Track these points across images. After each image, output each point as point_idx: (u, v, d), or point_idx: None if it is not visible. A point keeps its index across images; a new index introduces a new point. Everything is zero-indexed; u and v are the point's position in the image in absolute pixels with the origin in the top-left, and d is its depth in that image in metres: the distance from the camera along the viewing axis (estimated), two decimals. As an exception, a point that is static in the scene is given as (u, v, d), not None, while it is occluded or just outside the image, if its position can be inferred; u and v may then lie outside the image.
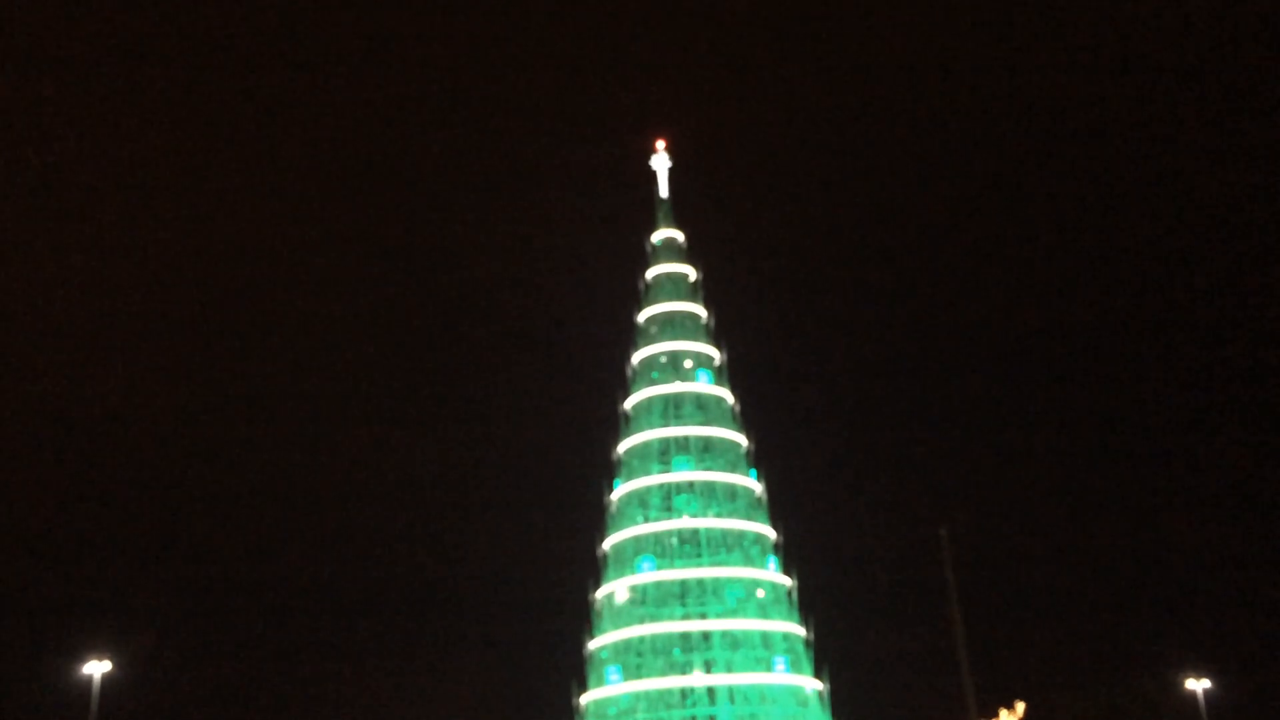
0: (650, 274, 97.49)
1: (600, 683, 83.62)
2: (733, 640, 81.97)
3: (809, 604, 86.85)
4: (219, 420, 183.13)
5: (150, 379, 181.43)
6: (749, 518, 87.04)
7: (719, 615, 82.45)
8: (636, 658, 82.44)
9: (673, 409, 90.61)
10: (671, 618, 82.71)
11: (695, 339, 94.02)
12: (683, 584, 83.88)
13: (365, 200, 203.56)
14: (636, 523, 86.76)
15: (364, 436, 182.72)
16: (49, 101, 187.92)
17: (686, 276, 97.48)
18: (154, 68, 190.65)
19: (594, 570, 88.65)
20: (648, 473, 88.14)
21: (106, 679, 62.92)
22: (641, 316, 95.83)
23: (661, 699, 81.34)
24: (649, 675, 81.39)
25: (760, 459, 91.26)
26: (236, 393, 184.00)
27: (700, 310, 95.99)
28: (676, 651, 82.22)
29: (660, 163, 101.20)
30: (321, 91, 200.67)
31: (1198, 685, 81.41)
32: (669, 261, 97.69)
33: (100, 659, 63.03)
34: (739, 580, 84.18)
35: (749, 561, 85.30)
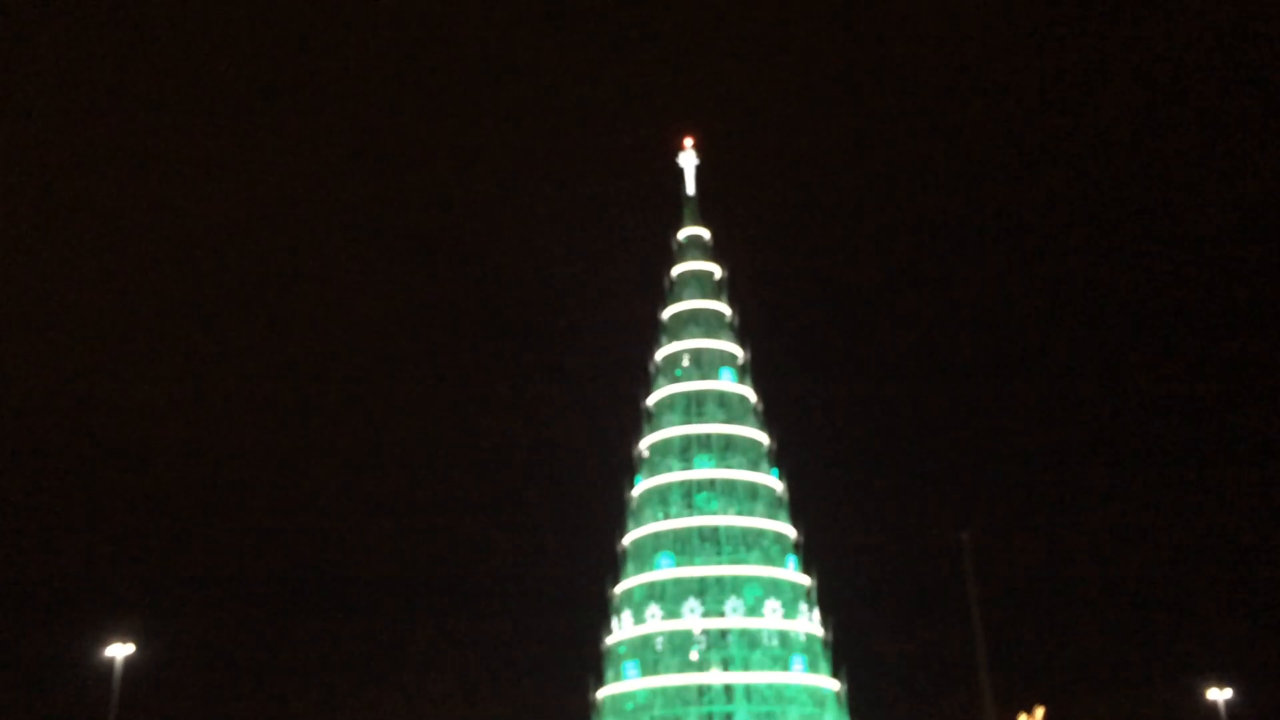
0: (675, 271, 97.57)
1: (618, 678, 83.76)
2: (750, 639, 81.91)
3: (828, 604, 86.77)
4: (246, 410, 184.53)
5: (177, 370, 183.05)
6: (769, 516, 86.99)
7: (737, 613, 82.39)
8: (654, 654, 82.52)
9: (695, 406, 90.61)
10: (690, 614, 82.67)
11: (719, 337, 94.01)
12: (701, 581, 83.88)
13: (390, 195, 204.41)
14: (657, 519, 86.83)
15: (385, 430, 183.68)
16: (75, 99, 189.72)
17: (712, 274, 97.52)
18: (188, 60, 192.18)
19: (613, 566, 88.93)
20: (669, 469, 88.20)
21: (129, 661, 63.60)
22: (666, 313, 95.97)
23: (678, 696, 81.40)
24: (666, 672, 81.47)
25: (782, 458, 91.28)
26: (264, 384, 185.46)
27: (725, 308, 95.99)
28: (694, 648, 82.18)
29: (688, 160, 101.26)
30: (353, 86, 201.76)
31: (1219, 694, 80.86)
32: (694, 259, 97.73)
33: (123, 642, 63.71)
34: (758, 579, 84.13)
35: (768, 560, 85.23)
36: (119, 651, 63.38)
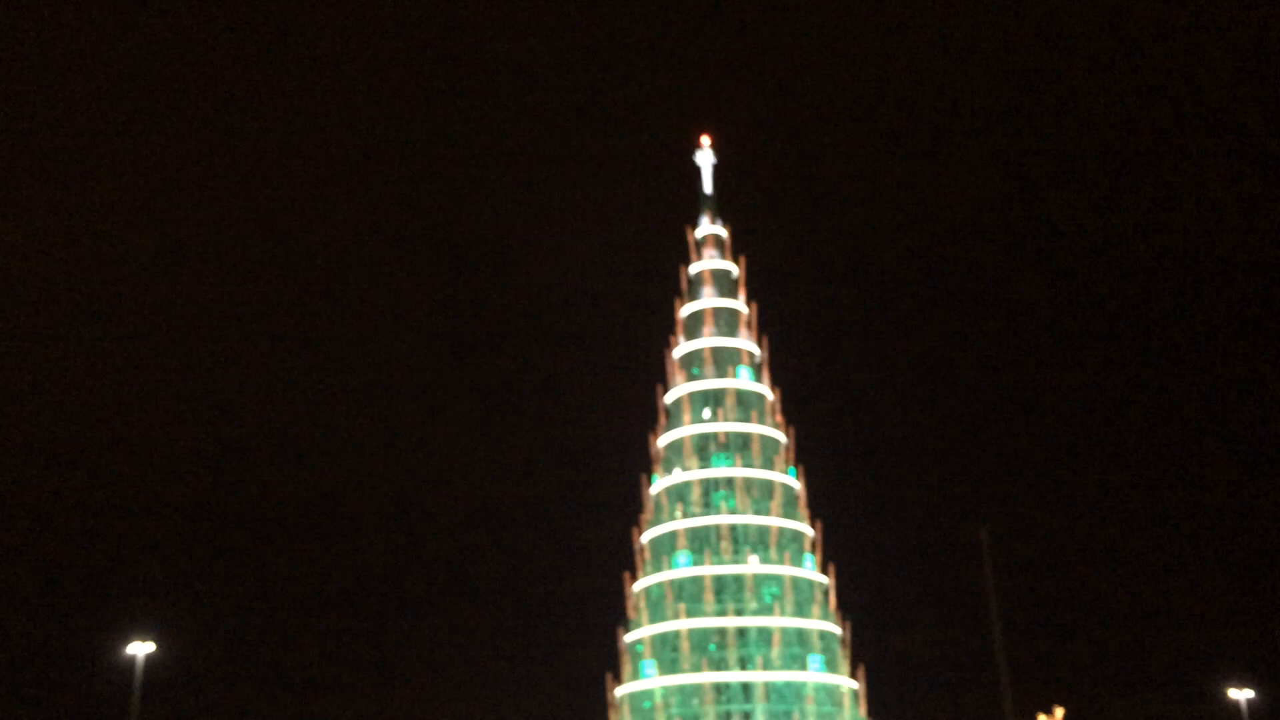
0: (693, 269, 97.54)
1: (636, 676, 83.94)
2: (768, 637, 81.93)
3: (845, 602, 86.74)
4: (267, 410, 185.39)
5: (206, 370, 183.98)
6: (787, 515, 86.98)
7: (755, 612, 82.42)
8: (672, 652, 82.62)
9: (713, 404, 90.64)
10: (708, 613, 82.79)
11: (737, 335, 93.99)
12: (719, 580, 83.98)
13: (409, 197, 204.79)
14: (675, 518, 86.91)
15: (403, 428, 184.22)
16: (96, 99, 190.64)
17: (729, 272, 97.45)
18: (212, 63, 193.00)
19: (631, 564, 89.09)
20: (687, 468, 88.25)
21: (149, 659, 64.02)
22: (683, 312, 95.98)
23: (696, 693, 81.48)
24: (684, 670, 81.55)
25: (799, 456, 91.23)
26: (285, 382, 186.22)
27: (742, 306, 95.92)
28: (712, 647, 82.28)
29: (705, 159, 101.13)
30: (371, 90, 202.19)
31: (1240, 695, 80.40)
32: (712, 257, 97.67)
33: (144, 640, 64.09)
34: (775, 577, 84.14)
35: (786, 559, 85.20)
36: (140, 649, 63.78)
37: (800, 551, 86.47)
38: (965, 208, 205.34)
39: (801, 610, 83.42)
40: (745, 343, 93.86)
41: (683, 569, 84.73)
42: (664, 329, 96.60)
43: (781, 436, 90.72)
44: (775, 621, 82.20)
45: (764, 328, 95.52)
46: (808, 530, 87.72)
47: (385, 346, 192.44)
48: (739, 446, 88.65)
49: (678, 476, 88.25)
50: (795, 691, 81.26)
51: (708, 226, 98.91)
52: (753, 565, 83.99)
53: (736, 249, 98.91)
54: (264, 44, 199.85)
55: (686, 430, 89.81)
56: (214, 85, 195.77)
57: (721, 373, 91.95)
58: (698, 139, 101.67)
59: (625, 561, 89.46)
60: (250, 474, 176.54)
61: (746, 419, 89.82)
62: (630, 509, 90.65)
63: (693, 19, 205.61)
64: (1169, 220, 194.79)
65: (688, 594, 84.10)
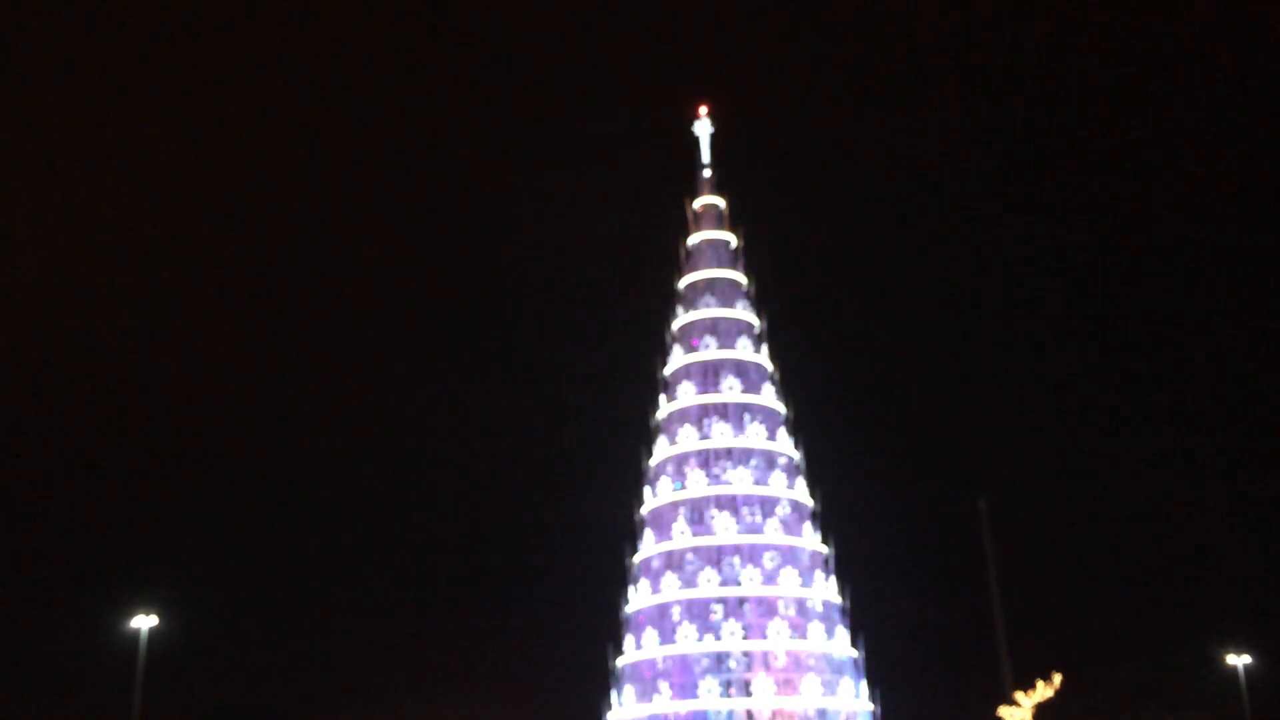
0: (691, 240, 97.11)
1: (636, 646, 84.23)
2: (768, 606, 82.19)
3: (845, 571, 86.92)
4: (272, 384, 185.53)
5: (207, 343, 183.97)
6: (786, 484, 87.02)
7: (754, 581, 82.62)
8: (672, 622, 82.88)
9: (712, 375, 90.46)
10: (708, 583, 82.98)
11: (735, 305, 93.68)
12: (719, 549, 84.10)
13: (403, 167, 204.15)
14: (674, 488, 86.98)
15: (408, 402, 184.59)
16: (87, 64, 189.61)
17: (728, 243, 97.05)
18: (205, 32, 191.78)
19: (631, 534, 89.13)
20: (686, 439, 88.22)
21: (153, 633, 64.06)
22: (682, 283, 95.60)
23: (697, 664, 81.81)
24: (684, 640, 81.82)
25: (799, 426, 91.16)
26: (289, 358, 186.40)
27: (741, 277, 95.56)
28: (712, 617, 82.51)
29: (703, 129, 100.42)
30: (367, 57, 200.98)
31: (1238, 661, 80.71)
32: (710, 228, 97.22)
33: (147, 613, 64.11)
34: (775, 546, 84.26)
35: (785, 528, 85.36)
36: (144, 623, 63.88)
37: (800, 520, 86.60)
38: (969, 176, 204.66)
39: (802, 580, 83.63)
40: (744, 313, 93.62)
41: (683, 539, 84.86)
42: (662, 300, 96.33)
43: (781, 407, 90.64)
44: (775, 591, 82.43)
45: (763, 298, 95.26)
46: (808, 499, 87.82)
47: (383, 323, 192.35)
48: (738, 417, 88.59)
49: (677, 447, 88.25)
50: (795, 661, 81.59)
51: (706, 197, 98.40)
52: (753, 535, 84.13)
53: (735, 220, 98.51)
54: (258, 14, 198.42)
55: (686, 401, 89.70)
56: (203, 46, 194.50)
57: (720, 344, 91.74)
58: (696, 109, 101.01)
59: (625, 533, 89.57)
60: (254, 445, 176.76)
61: (746, 389, 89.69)
62: (629, 480, 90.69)
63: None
64: (1177, 186, 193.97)
65: (688, 565, 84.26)
